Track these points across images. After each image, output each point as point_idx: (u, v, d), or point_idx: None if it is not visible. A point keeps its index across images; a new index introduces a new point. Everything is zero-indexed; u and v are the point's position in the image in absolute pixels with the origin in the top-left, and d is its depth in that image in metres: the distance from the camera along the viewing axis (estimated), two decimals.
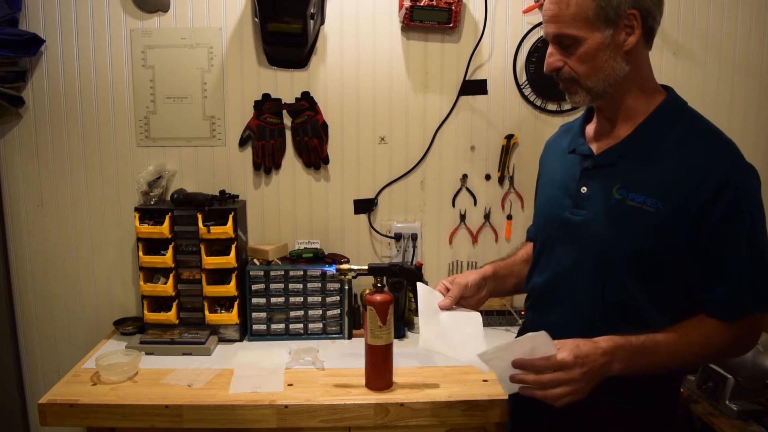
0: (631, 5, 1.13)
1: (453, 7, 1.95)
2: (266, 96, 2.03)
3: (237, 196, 2.05)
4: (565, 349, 1.11)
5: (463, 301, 1.39)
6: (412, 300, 1.89)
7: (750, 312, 1.15)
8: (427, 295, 1.40)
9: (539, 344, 1.11)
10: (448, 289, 1.39)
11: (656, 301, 1.17)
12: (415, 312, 2.04)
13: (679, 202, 1.12)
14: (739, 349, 1.22)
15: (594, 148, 1.26)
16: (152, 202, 2.00)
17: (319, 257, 2.03)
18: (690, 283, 1.17)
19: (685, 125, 1.18)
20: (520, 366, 1.12)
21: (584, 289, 1.23)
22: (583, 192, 1.24)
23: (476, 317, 1.38)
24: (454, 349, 1.33)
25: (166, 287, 1.91)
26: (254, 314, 1.96)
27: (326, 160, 2.08)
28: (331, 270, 1.94)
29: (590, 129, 1.30)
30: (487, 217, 2.14)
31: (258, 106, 2.03)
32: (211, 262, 1.91)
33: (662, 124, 1.18)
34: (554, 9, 1.17)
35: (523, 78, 2.07)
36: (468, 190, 2.13)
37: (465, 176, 2.12)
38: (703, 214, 1.11)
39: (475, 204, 2.13)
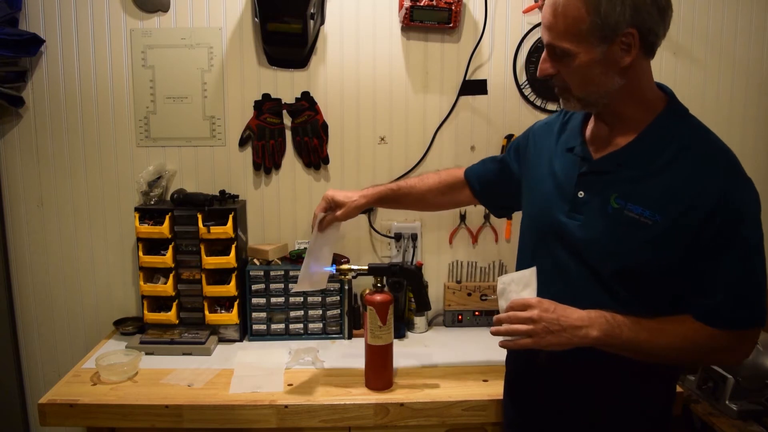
0: (630, 24, 1.08)
1: (453, 7, 1.95)
2: (266, 96, 2.03)
3: (237, 196, 2.05)
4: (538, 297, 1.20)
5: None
6: (412, 300, 1.89)
7: (736, 326, 1.14)
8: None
9: (528, 281, 1.24)
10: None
11: (643, 307, 1.16)
12: (414, 312, 2.04)
13: (676, 217, 1.11)
14: (727, 357, 1.21)
15: (592, 151, 1.24)
16: (152, 202, 2.00)
17: None
18: (678, 290, 1.16)
19: (685, 138, 1.15)
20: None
21: (571, 292, 1.21)
22: (580, 196, 1.22)
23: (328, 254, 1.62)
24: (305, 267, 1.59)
25: (166, 287, 1.91)
26: (254, 314, 1.96)
27: (326, 160, 2.08)
28: (331, 270, 1.94)
29: (589, 130, 1.28)
30: (487, 217, 2.13)
31: (258, 106, 2.03)
32: (211, 262, 1.91)
33: (663, 135, 1.16)
34: (548, 18, 1.14)
35: (523, 78, 2.07)
36: None
37: None
38: (699, 230, 1.10)
39: (475, 204, 2.12)
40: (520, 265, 1.36)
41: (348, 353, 1.87)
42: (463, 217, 2.13)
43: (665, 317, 1.16)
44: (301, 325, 1.98)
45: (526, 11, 2.04)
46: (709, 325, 1.14)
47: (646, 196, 1.14)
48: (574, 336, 1.13)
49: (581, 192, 1.22)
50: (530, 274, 1.24)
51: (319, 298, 1.97)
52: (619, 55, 1.11)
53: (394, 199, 1.61)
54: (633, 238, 1.14)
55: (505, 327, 1.19)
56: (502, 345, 1.22)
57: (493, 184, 1.56)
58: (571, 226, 1.22)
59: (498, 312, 1.24)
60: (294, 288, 1.62)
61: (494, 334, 1.21)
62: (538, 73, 1.21)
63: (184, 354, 1.84)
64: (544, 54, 1.19)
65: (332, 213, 1.56)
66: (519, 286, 1.24)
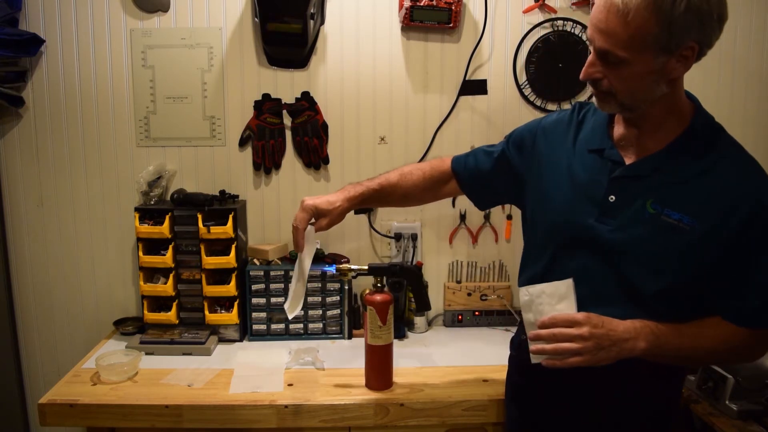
0: (693, 37, 1.05)
1: (453, 7, 1.95)
2: (266, 96, 2.03)
3: (237, 196, 2.05)
4: (584, 312, 1.14)
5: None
6: (412, 300, 1.89)
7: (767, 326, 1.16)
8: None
9: (565, 294, 1.17)
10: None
11: (669, 309, 1.17)
12: (414, 312, 2.04)
13: (713, 222, 1.12)
14: (750, 355, 1.23)
15: (622, 154, 1.21)
16: (152, 202, 2.00)
17: (319, 257, 2.03)
18: (706, 292, 1.17)
19: (720, 146, 1.16)
20: (541, 326, 1.15)
21: (595, 297, 1.19)
22: (610, 200, 1.18)
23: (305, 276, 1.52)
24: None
25: (166, 287, 1.91)
26: (254, 314, 1.96)
27: (326, 160, 2.08)
28: (331, 270, 1.94)
29: (616, 132, 1.24)
30: (487, 217, 2.13)
31: (258, 106, 2.03)
32: (211, 262, 1.91)
33: (699, 142, 1.16)
34: (609, 23, 1.06)
35: (523, 78, 2.07)
36: None
37: None
38: (738, 234, 1.11)
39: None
40: (533, 269, 1.31)
41: (348, 353, 1.87)
42: (463, 217, 2.13)
43: (700, 321, 1.17)
44: (301, 325, 1.98)
45: (526, 11, 2.04)
46: (742, 325, 1.15)
47: (683, 202, 1.13)
48: (623, 349, 1.12)
49: (612, 196, 1.19)
50: (566, 286, 1.17)
51: (319, 298, 1.97)
52: (674, 66, 1.09)
53: (378, 199, 1.53)
54: (670, 243, 1.13)
55: (551, 346, 1.13)
56: (549, 365, 1.14)
57: (487, 179, 1.47)
58: (601, 231, 1.18)
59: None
60: (290, 315, 1.55)
61: (537, 353, 1.15)
62: (581, 76, 1.15)
63: (184, 354, 1.84)
64: (591, 57, 1.13)
65: (317, 224, 1.44)
66: (553, 298, 1.17)
